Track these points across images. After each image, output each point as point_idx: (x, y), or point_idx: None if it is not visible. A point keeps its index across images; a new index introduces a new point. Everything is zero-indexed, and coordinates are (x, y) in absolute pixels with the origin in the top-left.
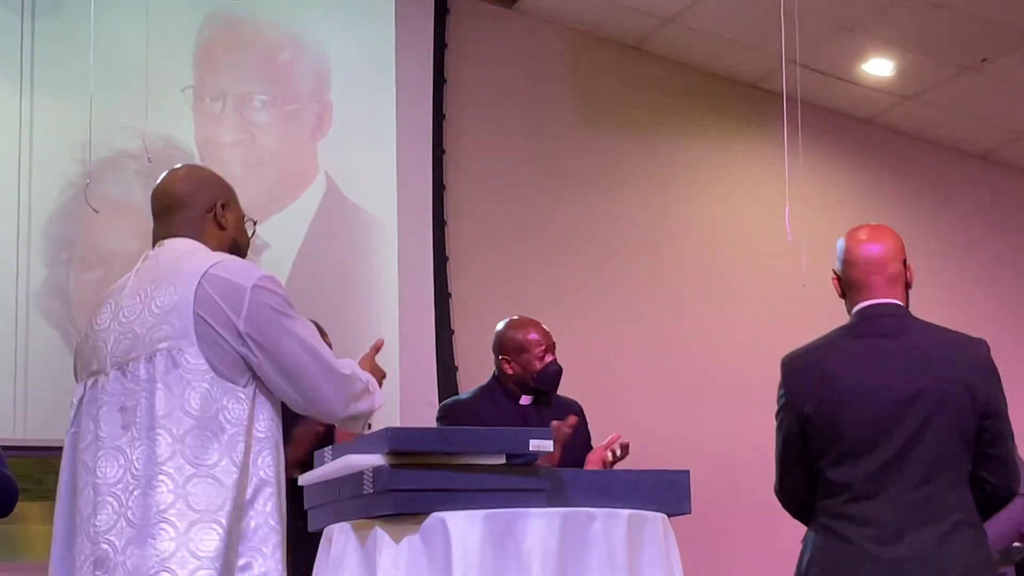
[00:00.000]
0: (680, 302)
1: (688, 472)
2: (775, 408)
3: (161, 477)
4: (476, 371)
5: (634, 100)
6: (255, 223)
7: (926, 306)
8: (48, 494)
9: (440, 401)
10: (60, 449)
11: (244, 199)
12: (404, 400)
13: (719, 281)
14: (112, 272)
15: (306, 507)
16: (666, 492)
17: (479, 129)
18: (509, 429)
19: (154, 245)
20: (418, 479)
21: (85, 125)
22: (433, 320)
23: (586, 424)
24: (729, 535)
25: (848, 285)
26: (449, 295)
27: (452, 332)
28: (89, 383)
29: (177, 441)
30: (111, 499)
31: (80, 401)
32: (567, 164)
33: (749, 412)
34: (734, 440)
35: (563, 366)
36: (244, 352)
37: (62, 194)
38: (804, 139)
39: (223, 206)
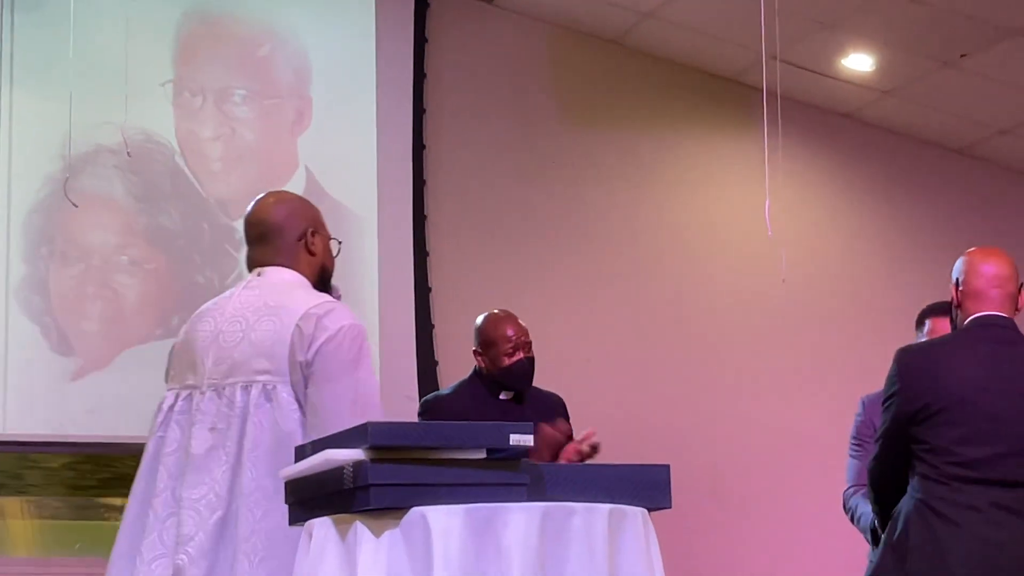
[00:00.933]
0: (660, 296)
1: (668, 467)
2: (770, 400)
3: (243, 509)
4: (456, 366)
5: (614, 94)
6: (340, 243)
7: (903, 300)
8: (27, 489)
9: (420, 396)
10: (40, 444)
11: (224, 194)
12: (384, 395)
13: (698, 275)
14: (92, 266)
15: (286, 502)
16: (646, 486)
17: (459, 124)
18: (489, 424)
19: (250, 268)
20: (398, 474)
21: (65, 120)
22: (413, 315)
23: (568, 418)
24: (709, 528)
25: (968, 296)
26: (429, 289)
27: (432, 327)
28: (183, 394)
29: (262, 476)
30: (192, 513)
31: (170, 409)
32: (548, 159)
33: (728, 405)
34: (713, 433)
35: (543, 359)
36: (303, 381)
37: (41, 189)
38: (784, 134)
39: (312, 233)
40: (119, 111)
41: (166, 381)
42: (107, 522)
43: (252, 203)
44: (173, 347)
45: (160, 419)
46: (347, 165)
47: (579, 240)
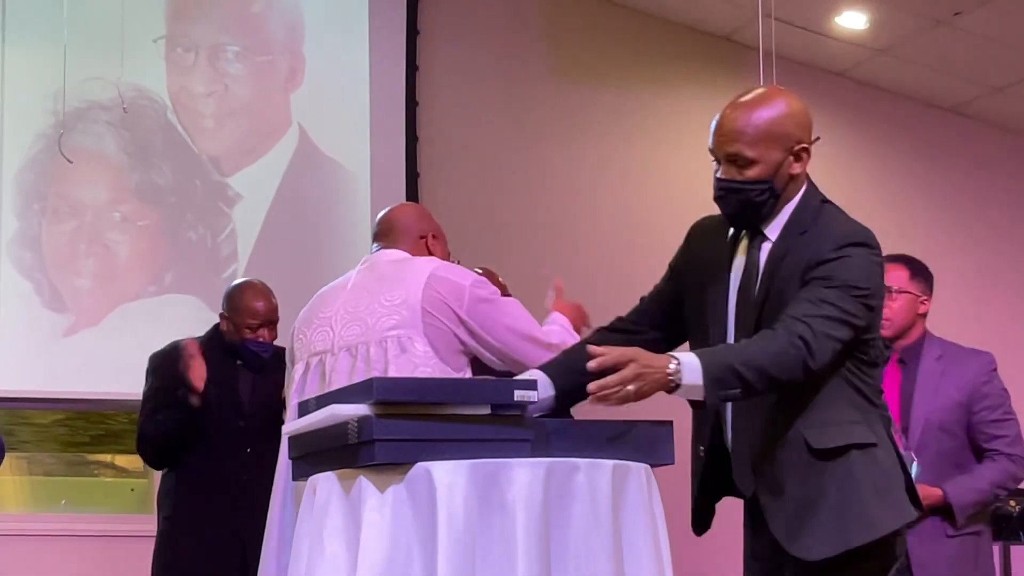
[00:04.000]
0: (652, 255)
1: (671, 423)
2: None
3: None
4: None
5: (607, 52)
6: (458, 262)
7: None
8: (19, 445)
9: None
10: (32, 400)
11: (217, 150)
12: None
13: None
14: (84, 223)
15: (290, 457)
16: (650, 443)
17: (452, 81)
18: (495, 380)
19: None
20: (403, 429)
21: (58, 75)
22: None
23: None
24: None
25: None
26: None
27: None
28: (313, 361)
29: None
30: None
31: (303, 376)
32: (540, 116)
33: None
34: None
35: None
36: (464, 338)
37: (34, 144)
38: None
39: (433, 237)
40: (112, 67)
41: (291, 364)
42: (97, 479)
43: (389, 208)
44: (293, 330)
45: (295, 388)
46: (340, 122)
47: (571, 196)
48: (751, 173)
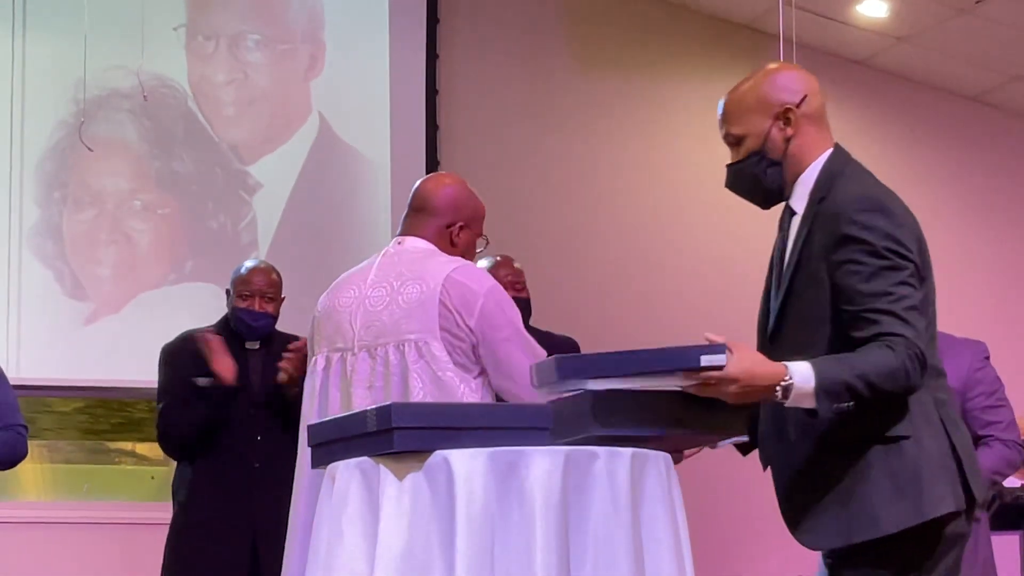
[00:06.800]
0: (675, 240)
1: None
2: None
3: None
4: None
5: (629, 41)
6: (487, 241)
7: None
8: (40, 433)
9: None
10: (53, 388)
11: (237, 138)
12: None
13: (712, 221)
14: (105, 211)
15: (309, 445)
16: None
17: (473, 69)
18: (681, 346)
19: (402, 231)
20: (421, 417)
21: (79, 63)
22: None
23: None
24: (731, 472)
25: None
26: None
27: None
28: (334, 357)
29: None
30: None
31: (324, 370)
32: (561, 104)
33: None
34: None
35: (552, 303)
36: (475, 345)
37: (55, 133)
38: None
39: (461, 227)
40: (133, 55)
41: (311, 351)
42: (118, 466)
43: (430, 175)
44: (313, 318)
45: (316, 382)
46: (360, 110)
47: (591, 186)
48: (744, 148)
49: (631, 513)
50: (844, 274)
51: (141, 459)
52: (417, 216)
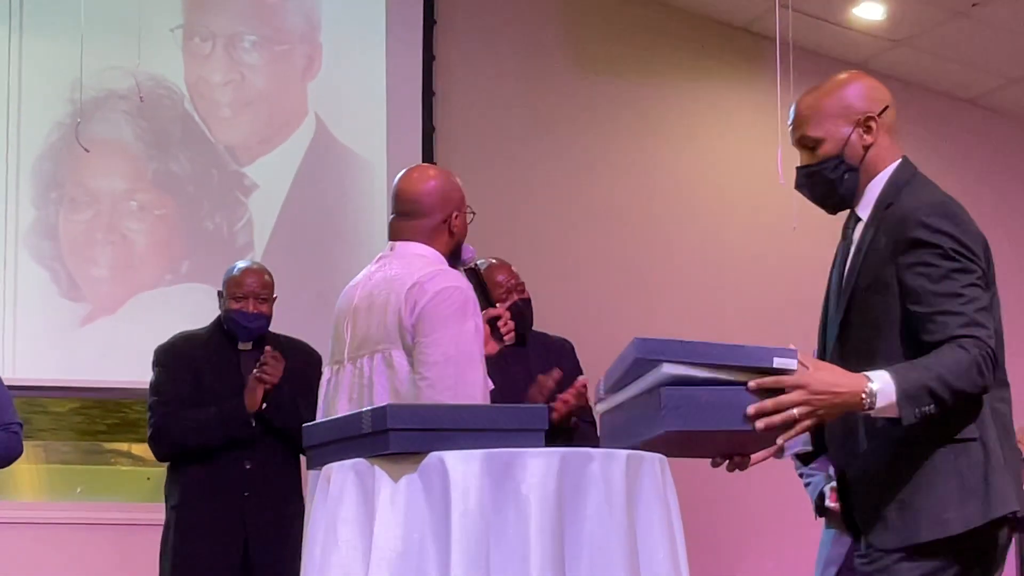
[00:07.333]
0: (670, 243)
1: None
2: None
3: None
4: None
5: (626, 43)
6: (474, 213)
7: None
8: (35, 434)
9: None
10: (49, 389)
11: (234, 139)
12: None
13: (710, 223)
14: (101, 212)
15: (305, 446)
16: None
17: (470, 71)
18: (755, 346)
19: (391, 237)
20: (417, 418)
21: (76, 64)
22: None
23: (577, 364)
24: (725, 475)
25: None
26: None
27: None
28: (334, 369)
29: None
30: None
31: (327, 383)
32: (557, 106)
33: None
34: None
35: (551, 305)
36: (411, 344)
37: (51, 133)
38: (796, 83)
39: (456, 215)
40: (129, 56)
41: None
42: (114, 467)
43: (406, 173)
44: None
45: (322, 394)
46: (357, 111)
47: (588, 188)
48: (821, 152)
49: (626, 515)
50: (914, 276)
51: (137, 460)
52: (407, 220)
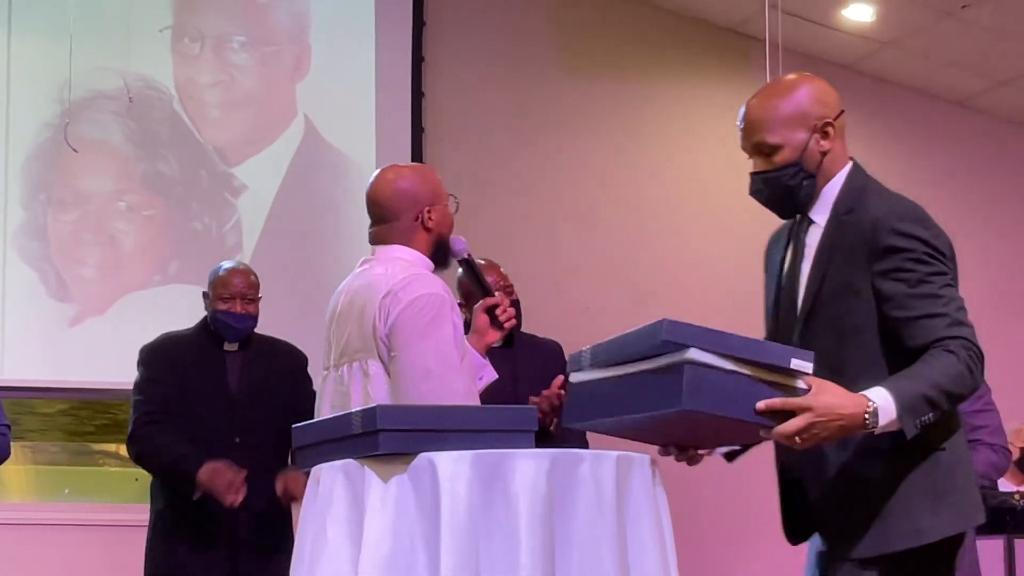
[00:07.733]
0: (659, 244)
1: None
2: None
3: None
4: None
5: (614, 44)
6: (457, 201)
7: None
8: (24, 435)
9: None
10: (37, 390)
11: (222, 140)
12: None
13: (698, 225)
14: (90, 212)
15: (295, 447)
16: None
17: (459, 73)
18: (777, 344)
19: (371, 243)
20: (406, 419)
21: (64, 65)
22: None
23: (564, 365)
24: (716, 474)
25: None
26: None
27: None
28: (323, 375)
29: None
30: None
31: (320, 388)
32: (546, 108)
33: None
34: None
35: (537, 306)
36: (386, 356)
37: (40, 133)
38: None
39: (428, 211)
40: (118, 57)
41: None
42: (102, 468)
43: (373, 179)
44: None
45: (317, 402)
46: (346, 113)
47: (577, 190)
48: (779, 158)
49: (616, 516)
50: (892, 283)
51: (125, 461)
52: (381, 225)
